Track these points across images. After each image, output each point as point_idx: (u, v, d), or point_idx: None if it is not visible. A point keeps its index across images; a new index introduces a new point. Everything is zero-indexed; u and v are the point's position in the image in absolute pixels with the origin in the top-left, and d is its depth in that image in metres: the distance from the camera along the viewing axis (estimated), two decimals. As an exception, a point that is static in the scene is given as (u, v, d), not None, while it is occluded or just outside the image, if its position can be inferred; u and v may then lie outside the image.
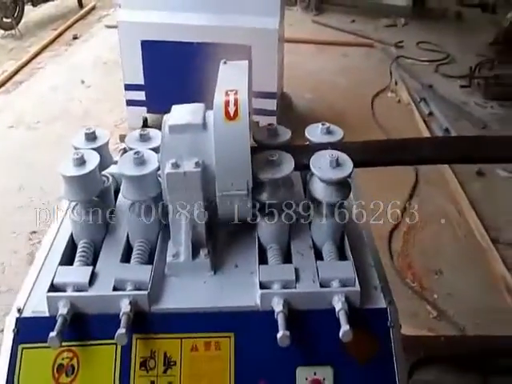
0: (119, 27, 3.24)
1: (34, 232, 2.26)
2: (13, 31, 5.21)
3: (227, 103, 0.95)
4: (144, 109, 3.22)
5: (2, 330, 1.05)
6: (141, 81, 3.23)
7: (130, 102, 3.26)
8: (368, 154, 1.02)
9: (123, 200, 1.07)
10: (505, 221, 2.77)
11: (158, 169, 0.96)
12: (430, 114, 3.75)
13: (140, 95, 3.23)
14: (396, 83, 4.13)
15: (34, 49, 4.91)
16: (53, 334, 0.78)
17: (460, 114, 3.76)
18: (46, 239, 1.03)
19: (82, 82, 4.09)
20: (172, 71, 3.16)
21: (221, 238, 1.00)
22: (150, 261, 0.94)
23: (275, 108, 3.20)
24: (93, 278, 0.89)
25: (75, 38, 5.39)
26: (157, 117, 2.67)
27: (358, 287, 0.86)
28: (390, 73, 4.28)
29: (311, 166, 0.95)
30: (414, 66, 4.52)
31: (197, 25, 3.15)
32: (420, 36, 5.06)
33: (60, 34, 5.43)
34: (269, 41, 3.12)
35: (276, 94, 3.22)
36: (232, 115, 0.93)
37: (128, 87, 3.28)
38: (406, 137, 1.15)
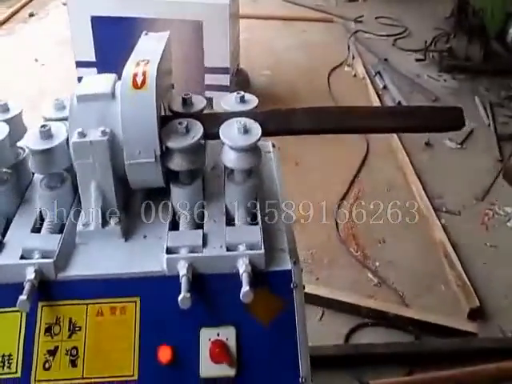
0: (69, 3, 3.17)
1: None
2: (-36, 9, 5.03)
3: (136, 72, 0.96)
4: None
5: None
6: (92, 58, 3.18)
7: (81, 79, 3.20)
8: (273, 122, 1.04)
9: None
10: (449, 190, 2.85)
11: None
12: (385, 87, 3.79)
13: (92, 72, 3.18)
14: (353, 58, 4.15)
15: (-14, 27, 4.75)
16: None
17: (413, 87, 3.82)
18: None
19: (36, 60, 3.99)
20: (123, 47, 3.08)
21: (134, 206, 1.01)
22: (61, 232, 0.95)
23: (228, 83, 3.19)
24: (0, 247, 0.90)
25: (31, 15, 5.23)
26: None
27: (262, 250, 0.88)
28: (348, 47, 4.30)
29: (221, 133, 0.97)
30: (372, 40, 4.54)
31: (148, 0, 3.10)
32: (380, 11, 5.07)
33: (15, 12, 5.26)
34: (220, 16, 3.10)
35: (229, 69, 3.21)
36: (139, 84, 0.94)
37: (79, 64, 3.22)
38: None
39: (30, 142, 0.94)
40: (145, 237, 0.96)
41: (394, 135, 3.12)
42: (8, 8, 5.29)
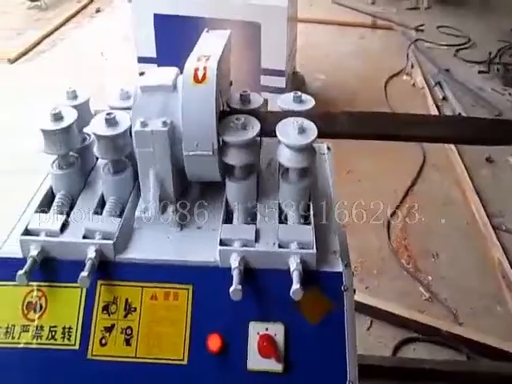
0: (133, 0, 3.28)
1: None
2: (39, 2, 5.30)
3: (197, 67, 0.99)
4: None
5: None
6: (153, 54, 3.28)
7: (142, 75, 3.32)
8: (332, 124, 1.05)
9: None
10: (510, 209, 2.74)
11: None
12: (444, 98, 3.70)
13: (152, 67, 3.28)
14: (412, 66, 4.07)
15: (57, 20, 4.99)
16: (20, 272, 0.85)
17: (475, 100, 3.70)
18: (32, 190, 1.09)
19: (102, 54, 4.16)
20: (183, 45, 3.17)
21: (193, 196, 1.04)
22: (121, 216, 0.99)
23: (284, 86, 3.21)
24: (65, 226, 0.95)
25: (98, 11, 5.46)
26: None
27: (314, 250, 0.89)
28: (407, 56, 4.22)
29: (277, 131, 0.98)
30: (433, 49, 4.44)
31: (209, 0, 3.17)
32: (442, 20, 4.96)
33: (84, 7, 5.51)
34: (278, 18, 3.12)
35: (285, 72, 3.22)
36: (200, 78, 0.97)
37: (141, 60, 3.33)
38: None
39: (96, 127, 0.99)
40: (199, 228, 0.99)
41: (453, 148, 3.04)
42: (77, 3, 5.55)
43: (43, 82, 3.53)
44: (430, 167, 3.04)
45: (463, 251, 2.49)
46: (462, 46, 4.50)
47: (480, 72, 4.10)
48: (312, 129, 0.98)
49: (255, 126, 0.99)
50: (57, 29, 4.87)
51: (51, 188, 1.06)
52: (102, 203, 1.03)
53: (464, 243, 2.51)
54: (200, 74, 0.98)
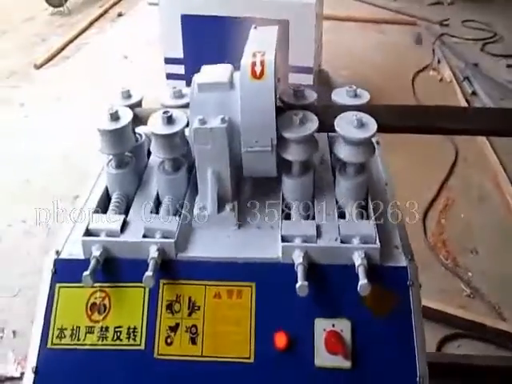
0: (160, 1, 3.29)
1: (78, 197, 2.36)
2: (61, 8, 5.36)
3: (254, 62, 0.98)
4: (183, 82, 3.28)
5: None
6: (180, 54, 3.28)
7: (169, 76, 3.32)
8: (391, 118, 1.03)
9: (155, 157, 1.13)
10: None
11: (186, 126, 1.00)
12: (473, 93, 3.64)
13: (179, 69, 3.29)
14: (439, 62, 4.01)
15: (80, 25, 5.04)
16: (86, 273, 0.85)
17: (504, 94, 3.63)
18: (84, 191, 1.09)
19: (125, 57, 4.19)
20: (211, 45, 3.19)
21: (247, 194, 1.03)
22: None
23: (312, 83, 3.18)
24: (124, 225, 0.95)
25: (120, 15, 5.49)
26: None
27: (378, 244, 0.88)
28: (433, 51, 4.16)
29: (336, 125, 0.97)
30: (459, 44, 4.37)
31: (236, -1, 3.16)
32: (466, 15, 4.88)
33: (106, 11, 5.55)
34: (306, 15, 3.10)
35: (313, 69, 3.20)
36: (258, 74, 0.96)
37: (167, 61, 3.34)
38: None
39: (155, 126, 0.98)
40: (257, 225, 0.98)
41: (486, 142, 2.98)
42: (99, 7, 5.59)
43: (70, 87, 3.57)
44: (462, 161, 2.98)
45: (502, 245, 2.44)
46: (489, 40, 4.42)
47: (508, 66, 4.02)
48: (371, 123, 0.96)
49: (313, 121, 0.98)
50: (80, 34, 4.91)
51: (106, 188, 1.05)
52: (157, 202, 1.03)
53: (502, 237, 2.45)
54: (258, 70, 0.97)
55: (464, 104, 3.48)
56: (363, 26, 4.85)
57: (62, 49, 4.53)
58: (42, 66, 4.12)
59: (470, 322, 2.04)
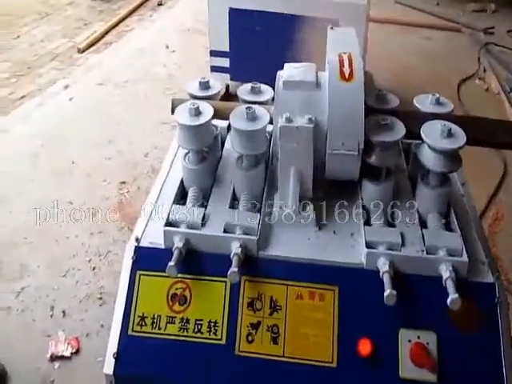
0: (209, -5, 3.28)
1: (123, 182, 2.40)
2: (102, -6, 5.40)
3: (342, 64, 0.97)
4: (227, 76, 3.27)
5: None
6: (226, 48, 3.27)
7: (214, 68, 3.32)
8: (482, 131, 1.00)
9: (228, 150, 1.13)
10: None
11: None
12: (520, 104, 3.55)
13: (224, 62, 3.28)
14: (484, 71, 3.93)
15: (121, 12, 5.07)
16: (171, 263, 0.85)
17: (552, 108, 3.54)
18: (158, 179, 1.09)
19: (167, 46, 4.19)
20: (257, 41, 3.18)
21: (326, 195, 1.02)
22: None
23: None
24: (204, 219, 0.94)
25: (160, 4, 5.51)
26: (237, 84, 2.72)
27: (465, 258, 0.86)
28: (478, 59, 4.08)
29: (422, 133, 0.95)
30: (505, 54, 4.28)
31: (286, -4, 3.14)
32: (511, 24, 4.77)
33: (146, 0, 5.57)
34: (357, 16, 3.06)
35: (360, 71, 3.17)
36: (347, 76, 0.95)
37: (213, 53, 3.33)
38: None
39: (238, 122, 0.97)
40: (336, 228, 0.97)
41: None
42: (140, -4, 5.61)
43: (112, 72, 3.59)
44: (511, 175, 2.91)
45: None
46: (535, 52, 4.31)
47: (555, 79, 3.92)
48: (460, 134, 0.94)
49: (400, 127, 0.96)
50: (121, 21, 4.95)
51: (182, 181, 1.05)
52: (233, 197, 1.02)
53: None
54: (346, 72, 0.96)
55: None
56: (405, 29, 4.78)
57: (104, 35, 4.56)
58: (84, 50, 4.15)
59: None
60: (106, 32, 4.60)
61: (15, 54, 3.95)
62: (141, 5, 5.45)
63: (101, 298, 1.82)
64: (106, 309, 1.78)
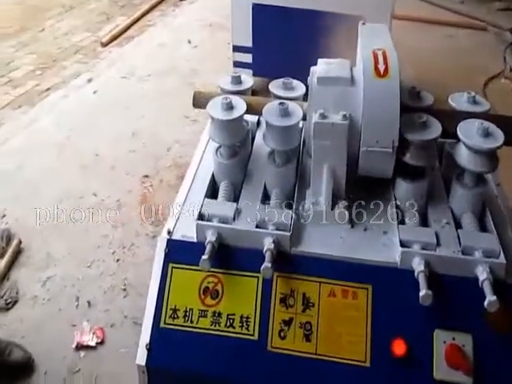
0: (232, -11, 3.28)
1: (146, 176, 2.41)
2: (124, -12, 5.42)
3: (376, 60, 0.96)
4: (250, 71, 3.27)
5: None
6: (249, 43, 3.27)
7: (236, 64, 3.31)
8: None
9: (259, 146, 1.12)
10: None
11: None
12: (546, 105, 3.49)
13: (247, 57, 3.27)
14: (510, 70, 3.87)
15: (143, 7, 5.09)
16: (205, 257, 0.85)
17: None
18: (188, 173, 1.10)
19: (189, 41, 4.20)
20: (280, 36, 3.16)
21: (358, 193, 1.01)
22: (286, 207, 0.97)
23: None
24: (236, 214, 0.94)
25: (182, -1, 5.53)
26: (259, 79, 2.71)
27: (503, 259, 0.85)
28: (504, 59, 4.01)
29: (459, 132, 0.94)
30: (532, 53, 4.20)
31: (310, -9, 3.11)
32: (539, 22, 4.68)
33: (168, -4, 5.59)
34: (382, 12, 3.02)
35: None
36: (382, 72, 0.94)
37: (236, 49, 3.33)
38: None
39: (272, 118, 0.96)
40: (368, 226, 0.96)
41: None
42: (162, -9, 5.63)
43: (135, 66, 3.61)
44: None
45: None
46: None
47: None
48: (498, 133, 0.93)
49: (436, 126, 0.95)
50: (143, 15, 4.97)
51: (212, 175, 1.05)
52: (264, 192, 1.02)
53: None
54: (381, 69, 0.95)
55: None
56: (429, 27, 4.72)
57: (127, 29, 4.58)
58: (107, 44, 4.18)
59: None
60: (129, 26, 4.63)
61: (40, 46, 4.00)
62: (162, 0, 5.46)
63: (125, 290, 1.84)
64: (130, 300, 1.80)
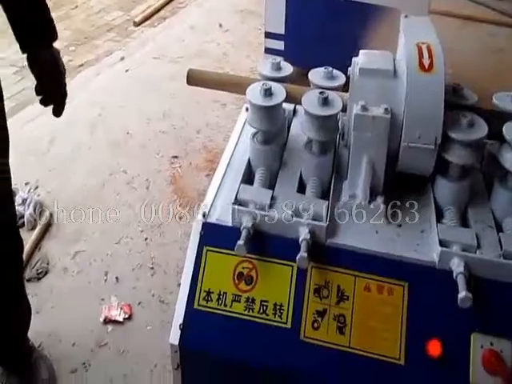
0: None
1: (176, 157, 2.42)
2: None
3: (421, 54, 0.94)
4: (281, 58, 3.25)
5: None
6: (281, 30, 3.23)
7: (268, 50, 3.28)
8: None
9: (295, 134, 1.12)
10: None
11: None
12: None
13: (279, 44, 3.24)
14: (551, 71, 3.76)
15: (176, -13, 5.08)
16: (240, 242, 0.85)
17: None
18: (224, 156, 1.10)
19: (220, 25, 4.18)
20: (314, 25, 3.12)
21: (396, 189, 1.00)
22: (323, 197, 0.97)
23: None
24: (272, 201, 0.94)
25: (214, -19, 5.48)
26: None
27: None
28: (545, 59, 3.90)
29: (505, 133, 0.92)
30: None
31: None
32: None
33: (200, -22, 5.55)
34: (420, 6, 2.95)
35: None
36: (427, 67, 0.92)
37: (268, 35, 3.30)
38: None
39: (312, 107, 0.96)
40: (405, 222, 0.95)
41: None
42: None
43: (167, 47, 3.61)
44: None
45: None
46: None
47: None
48: (548, 135, 0.91)
49: (482, 125, 0.93)
50: (175, -4, 4.96)
51: (249, 160, 1.06)
52: (300, 182, 1.02)
53: None
54: (426, 63, 0.93)
55: None
56: (467, 23, 4.59)
57: (159, 10, 4.58)
58: (140, 23, 4.19)
59: None
60: (161, 7, 4.62)
61: (73, 23, 4.02)
62: (195, -18, 5.43)
63: (152, 268, 1.85)
64: (157, 279, 1.81)
